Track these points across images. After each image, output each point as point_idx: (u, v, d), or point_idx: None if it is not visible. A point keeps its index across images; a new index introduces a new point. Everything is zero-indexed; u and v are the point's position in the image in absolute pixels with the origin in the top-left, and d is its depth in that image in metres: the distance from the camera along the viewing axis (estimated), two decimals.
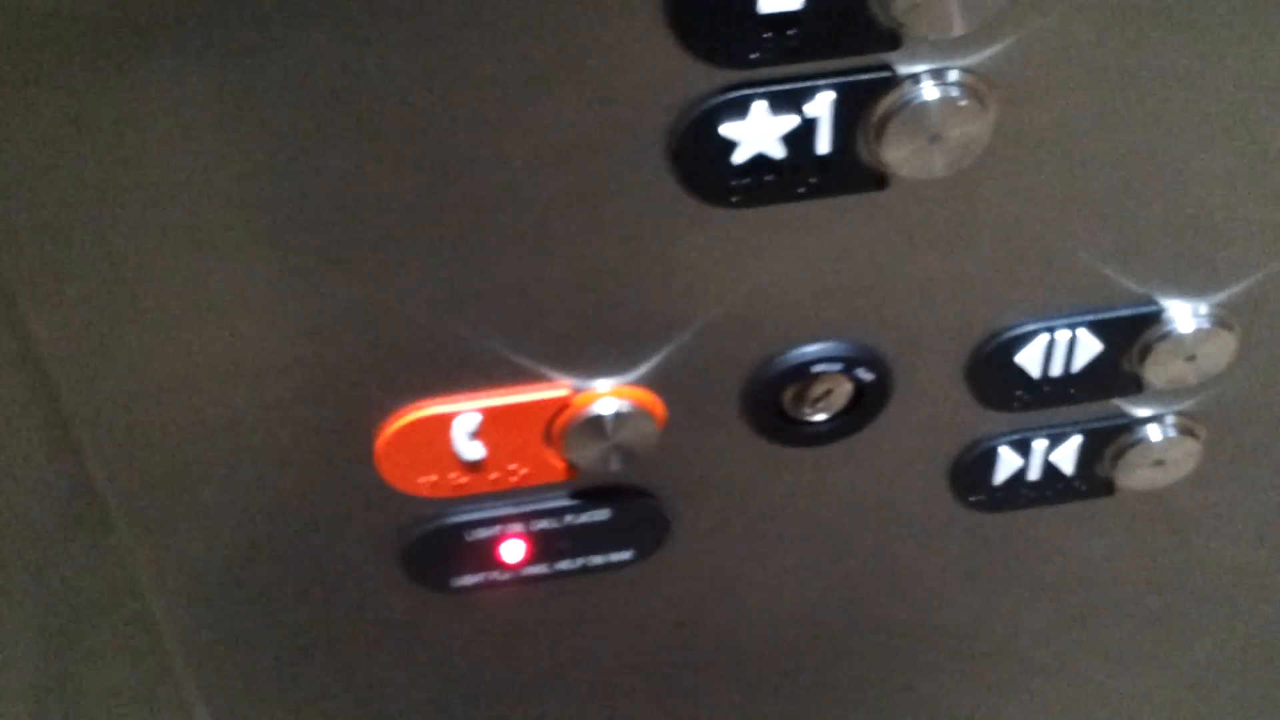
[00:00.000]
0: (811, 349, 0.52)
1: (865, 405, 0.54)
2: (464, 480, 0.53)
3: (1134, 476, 0.59)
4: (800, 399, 0.53)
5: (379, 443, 0.51)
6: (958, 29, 0.41)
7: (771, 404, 0.53)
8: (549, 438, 0.52)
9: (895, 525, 0.59)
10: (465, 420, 0.51)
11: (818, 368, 0.52)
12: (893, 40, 0.42)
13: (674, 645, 0.63)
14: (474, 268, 0.46)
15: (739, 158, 0.44)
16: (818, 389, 0.53)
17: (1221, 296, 0.53)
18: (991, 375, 0.54)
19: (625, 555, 0.58)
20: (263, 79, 0.40)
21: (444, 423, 0.51)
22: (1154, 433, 0.58)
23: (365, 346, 0.48)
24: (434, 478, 0.52)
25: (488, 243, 0.46)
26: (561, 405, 0.51)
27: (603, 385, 0.51)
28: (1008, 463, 0.58)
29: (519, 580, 0.57)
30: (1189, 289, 0.53)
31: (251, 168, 0.42)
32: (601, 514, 0.56)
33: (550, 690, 0.63)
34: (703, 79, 0.42)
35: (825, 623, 0.63)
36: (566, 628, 0.61)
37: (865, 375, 0.52)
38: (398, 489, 0.53)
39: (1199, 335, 0.53)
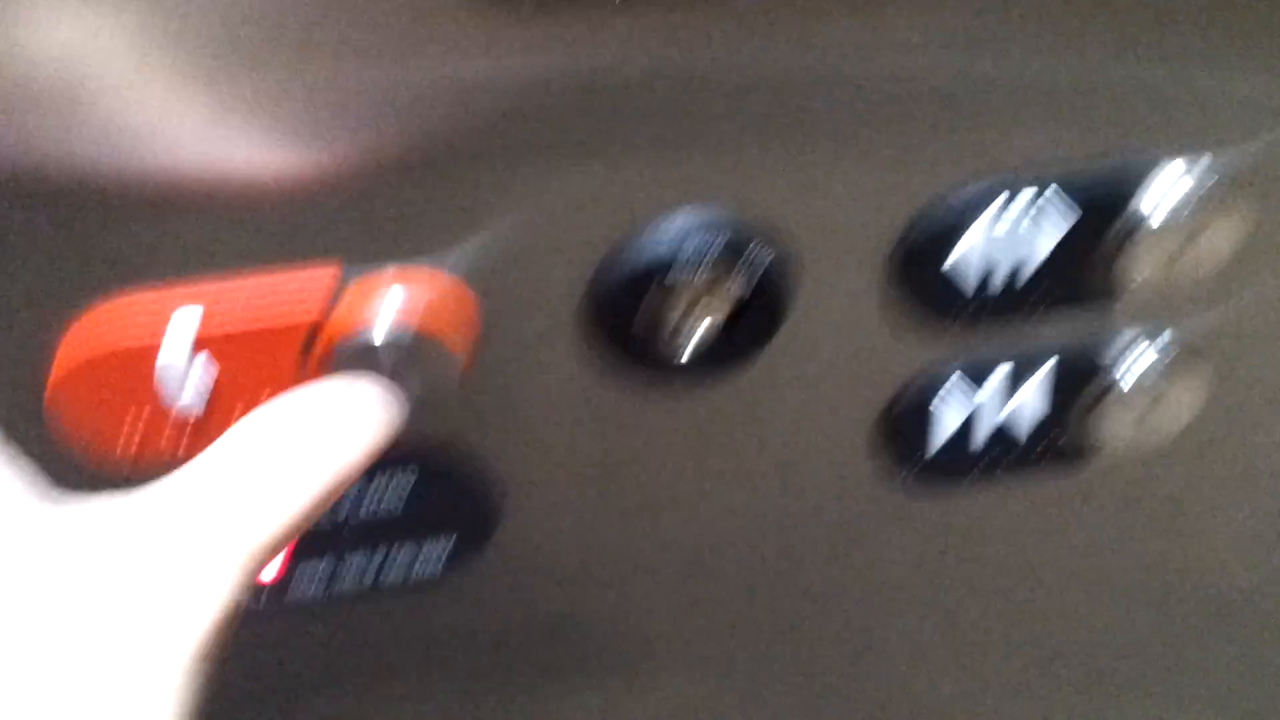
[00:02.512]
0: (680, 225, 0.36)
1: (757, 315, 0.38)
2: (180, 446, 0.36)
3: (1113, 432, 0.44)
4: (663, 311, 0.37)
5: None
6: None
7: (622, 319, 0.37)
8: (305, 365, 0.35)
9: (800, 494, 0.43)
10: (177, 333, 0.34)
11: (686, 251, 0.36)
12: None
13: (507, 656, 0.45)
14: None
15: None
16: (687, 293, 0.37)
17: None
18: (922, 276, 0.39)
19: (435, 556, 0.41)
20: None
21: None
22: (1140, 366, 0.43)
23: None
24: (132, 433, 0.35)
25: None
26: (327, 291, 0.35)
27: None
28: (946, 420, 0.42)
29: (283, 608, 0.40)
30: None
31: None
32: (399, 494, 0.39)
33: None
34: None
35: (708, 618, 0.46)
36: (359, 656, 0.43)
37: (761, 260, 0.37)
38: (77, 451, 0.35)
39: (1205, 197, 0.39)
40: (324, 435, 0.32)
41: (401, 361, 0.35)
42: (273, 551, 0.30)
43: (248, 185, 0.33)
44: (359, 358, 0.35)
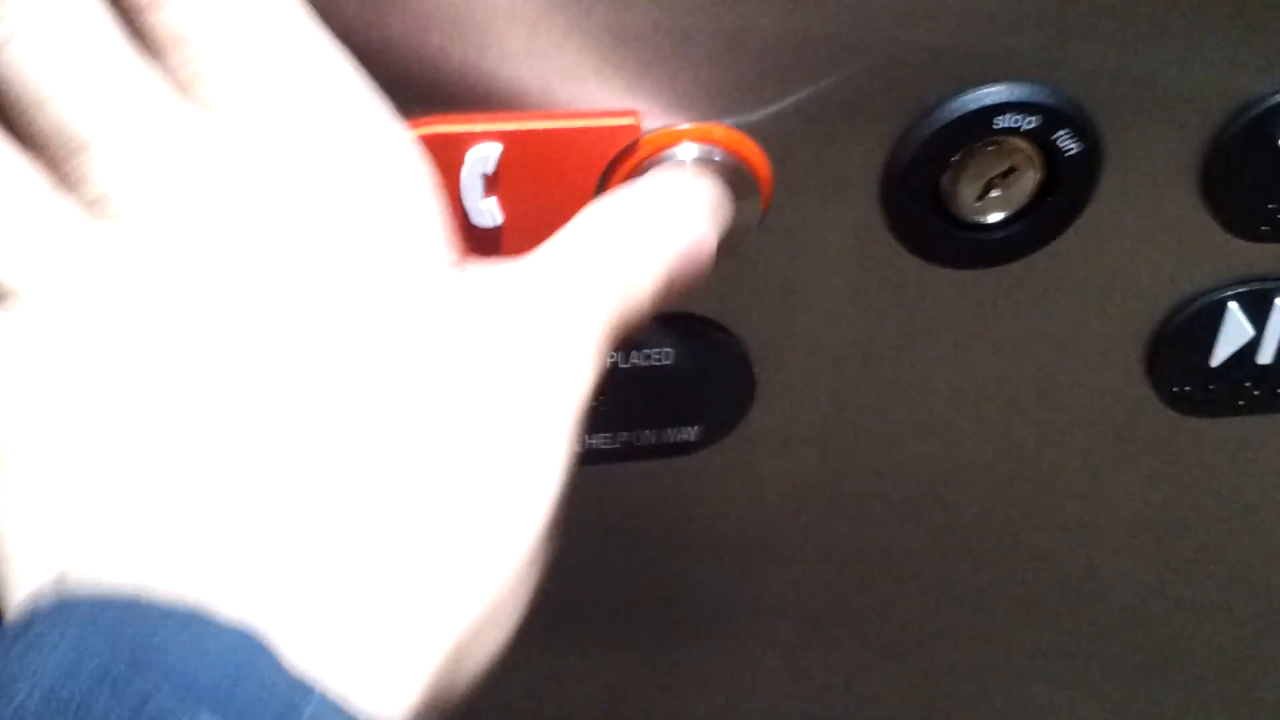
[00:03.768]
0: (995, 90, 0.35)
1: (1058, 201, 0.37)
2: None
3: None
4: (970, 177, 0.36)
5: None
6: None
7: (926, 186, 0.36)
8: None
9: (1071, 406, 0.42)
10: (482, 152, 0.34)
11: (1002, 121, 0.35)
12: None
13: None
14: None
15: None
16: (998, 161, 0.36)
17: None
18: (1241, 172, 0.37)
19: (690, 431, 0.41)
20: None
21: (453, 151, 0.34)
22: None
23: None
24: None
25: None
26: (626, 140, 0.34)
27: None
28: (1234, 331, 0.40)
29: None
30: None
31: None
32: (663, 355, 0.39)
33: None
34: None
35: (954, 520, 0.45)
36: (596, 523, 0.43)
37: (1069, 145, 0.36)
38: None
39: None
40: (670, 214, 0.32)
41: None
42: (628, 324, 0.31)
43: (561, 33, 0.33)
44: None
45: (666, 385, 0.39)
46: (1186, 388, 0.41)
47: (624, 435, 0.40)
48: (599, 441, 0.40)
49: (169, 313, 0.28)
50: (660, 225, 0.32)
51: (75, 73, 0.29)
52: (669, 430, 0.40)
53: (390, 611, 0.26)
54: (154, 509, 0.26)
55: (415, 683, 0.26)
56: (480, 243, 0.35)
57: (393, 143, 0.30)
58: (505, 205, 0.34)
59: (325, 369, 0.27)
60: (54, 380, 0.28)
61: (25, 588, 0.26)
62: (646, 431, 0.40)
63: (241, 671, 0.23)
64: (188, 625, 0.24)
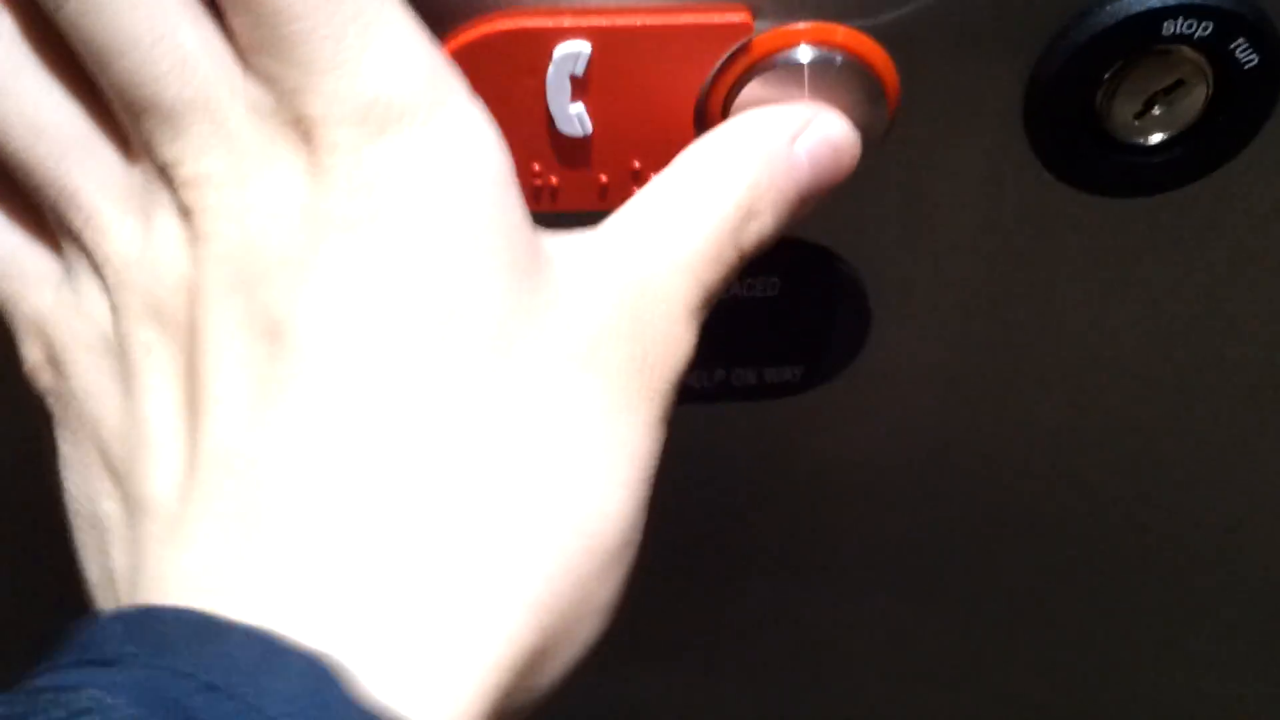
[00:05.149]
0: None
1: (1230, 121, 0.32)
2: (553, 182, 0.32)
3: None
4: (1128, 92, 0.32)
5: None
6: None
7: (1076, 101, 0.32)
8: (703, 117, 0.31)
9: (1231, 356, 0.38)
10: (569, 50, 0.30)
11: (1171, 27, 0.30)
12: None
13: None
14: None
15: None
16: (1163, 74, 0.31)
17: None
18: None
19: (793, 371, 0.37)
20: None
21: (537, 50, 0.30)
22: None
23: None
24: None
25: None
26: (735, 40, 0.30)
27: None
28: None
29: None
30: None
31: None
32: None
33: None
34: None
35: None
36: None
37: (1246, 56, 0.31)
38: None
39: None
40: (778, 150, 0.29)
41: (827, 95, 0.30)
42: (727, 279, 0.29)
43: None
44: (776, 86, 0.30)
45: (770, 319, 0.36)
46: None
47: (720, 373, 0.37)
48: (693, 379, 0.36)
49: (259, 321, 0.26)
50: (781, 128, 0.29)
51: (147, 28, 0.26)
52: (770, 369, 0.37)
53: (455, 628, 0.25)
54: (219, 531, 0.25)
55: (481, 702, 0.24)
56: (567, 154, 0.31)
57: (469, 123, 0.27)
58: (595, 113, 0.30)
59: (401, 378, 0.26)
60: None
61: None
62: (745, 370, 0.37)
63: (312, 702, 0.22)
64: (262, 651, 0.23)
